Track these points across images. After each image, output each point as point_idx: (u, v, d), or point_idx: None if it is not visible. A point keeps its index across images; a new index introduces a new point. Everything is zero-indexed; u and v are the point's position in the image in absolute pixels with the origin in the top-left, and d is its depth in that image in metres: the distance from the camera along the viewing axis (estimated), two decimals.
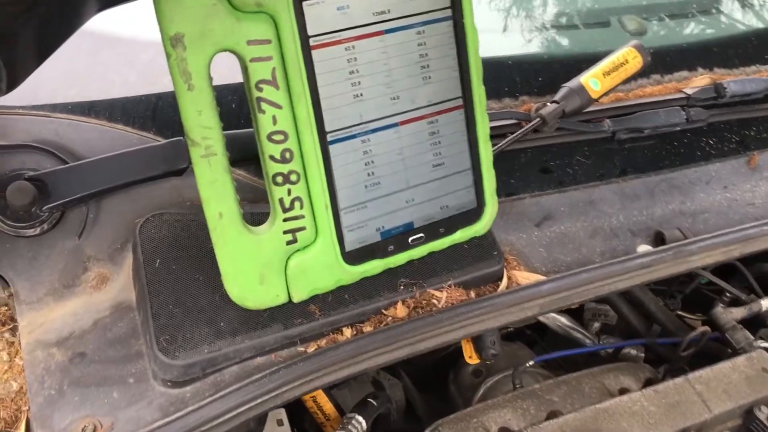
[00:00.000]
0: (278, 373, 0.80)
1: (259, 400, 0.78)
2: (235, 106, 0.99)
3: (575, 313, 1.39)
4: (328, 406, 1.12)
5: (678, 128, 1.15)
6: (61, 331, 0.84)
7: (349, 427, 1.01)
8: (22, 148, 0.90)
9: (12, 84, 0.72)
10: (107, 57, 1.00)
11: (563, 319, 1.39)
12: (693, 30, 1.36)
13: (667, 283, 1.33)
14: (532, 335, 1.46)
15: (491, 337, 1.08)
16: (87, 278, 0.89)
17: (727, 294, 1.30)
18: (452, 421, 1.04)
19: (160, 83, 0.97)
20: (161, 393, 0.81)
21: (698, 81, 1.22)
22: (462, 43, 0.86)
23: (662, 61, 1.22)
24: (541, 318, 1.39)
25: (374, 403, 1.09)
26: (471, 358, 1.17)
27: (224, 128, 0.75)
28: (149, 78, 0.99)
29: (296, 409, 1.07)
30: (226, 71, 0.80)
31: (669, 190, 1.12)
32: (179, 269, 0.85)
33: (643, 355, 1.32)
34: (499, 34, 1.24)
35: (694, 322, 1.36)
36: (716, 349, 1.22)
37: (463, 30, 0.86)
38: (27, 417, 0.80)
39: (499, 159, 0.99)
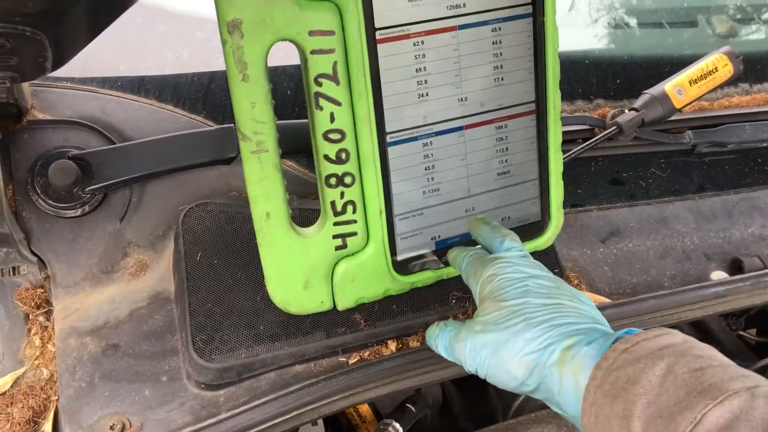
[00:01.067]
0: (317, 385, 0.75)
1: (295, 413, 0.73)
2: (291, 93, 0.94)
3: None
4: (365, 408, 1.08)
5: (765, 144, 1.06)
6: (96, 319, 0.81)
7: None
8: (66, 123, 0.87)
9: (58, 62, 0.68)
10: (162, 32, 0.95)
11: None
12: None
13: None
14: None
15: None
16: (126, 264, 0.85)
17: None
18: None
19: (215, 64, 0.92)
20: (194, 395, 0.77)
21: None
22: (540, 44, 0.79)
23: (752, 68, 1.13)
24: None
25: (413, 408, 1.04)
26: None
27: (277, 118, 0.70)
28: (204, 57, 0.94)
29: None
30: (282, 55, 0.75)
31: (749, 212, 1.03)
32: (221, 265, 0.81)
33: None
34: (576, 28, 1.16)
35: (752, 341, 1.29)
36: None
37: (543, 29, 0.78)
38: (56, 408, 0.77)
39: (566, 167, 0.92)
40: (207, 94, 0.92)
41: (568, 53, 1.08)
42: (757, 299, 0.90)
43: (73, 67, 0.86)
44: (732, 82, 1.07)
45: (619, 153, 1.01)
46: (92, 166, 0.83)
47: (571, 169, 0.98)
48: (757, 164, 1.08)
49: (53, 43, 0.63)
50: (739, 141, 1.03)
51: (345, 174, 0.74)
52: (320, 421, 0.97)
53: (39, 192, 0.83)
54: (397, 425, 0.99)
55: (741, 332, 1.28)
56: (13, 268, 0.84)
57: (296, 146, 0.84)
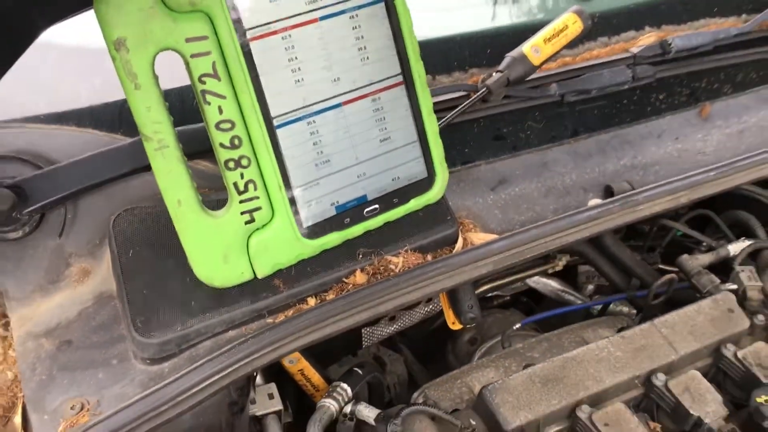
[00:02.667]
0: (247, 342, 0.86)
1: (231, 369, 0.84)
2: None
3: (569, 277, 1.44)
4: (316, 378, 1.18)
5: (625, 86, 1.20)
6: (49, 322, 0.92)
7: (334, 394, 1.07)
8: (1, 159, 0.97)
9: None
10: (73, 67, 1.07)
11: (554, 284, 1.44)
12: None
13: (644, 237, 1.38)
14: (527, 302, 1.51)
15: (468, 302, 1.14)
16: (70, 273, 0.96)
17: (704, 244, 1.34)
18: (438, 383, 1.10)
19: None
20: (142, 371, 0.87)
21: (645, 39, 1.26)
22: (396, 23, 0.91)
23: (609, 23, 1.27)
24: (531, 284, 1.45)
25: (359, 372, 1.15)
26: (454, 324, 1.23)
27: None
28: (115, 83, 1.05)
29: (286, 384, 1.13)
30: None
31: (620, 146, 1.16)
32: (151, 257, 0.92)
33: (635, 311, 1.36)
34: (450, 12, 1.29)
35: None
36: (691, 297, 1.26)
37: (395, 11, 0.91)
38: (23, 402, 0.87)
39: (452, 130, 1.04)
40: (121, 114, 1.04)
41: (441, 36, 1.21)
42: (627, 217, 1.02)
43: None
44: (591, 36, 1.21)
45: (497, 112, 1.14)
46: (26, 190, 0.94)
47: (456, 131, 1.11)
48: (622, 104, 1.22)
49: None
50: (600, 86, 1.17)
51: (241, 157, 0.85)
52: (276, 395, 1.08)
53: None
54: (345, 385, 1.09)
55: (661, 266, 1.39)
56: None
57: (202, 146, 0.95)
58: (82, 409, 0.84)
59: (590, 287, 1.47)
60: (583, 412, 1.00)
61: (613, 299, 1.39)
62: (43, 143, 1.00)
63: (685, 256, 1.27)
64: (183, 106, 1.05)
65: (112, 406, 0.83)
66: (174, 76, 0.91)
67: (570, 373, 1.03)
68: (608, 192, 1.09)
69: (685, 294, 1.27)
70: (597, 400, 1.02)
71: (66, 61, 1.07)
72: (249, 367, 0.85)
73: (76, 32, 1.04)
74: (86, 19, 0.86)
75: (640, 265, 1.34)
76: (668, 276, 1.25)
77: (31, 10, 0.75)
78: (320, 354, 1.16)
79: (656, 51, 1.22)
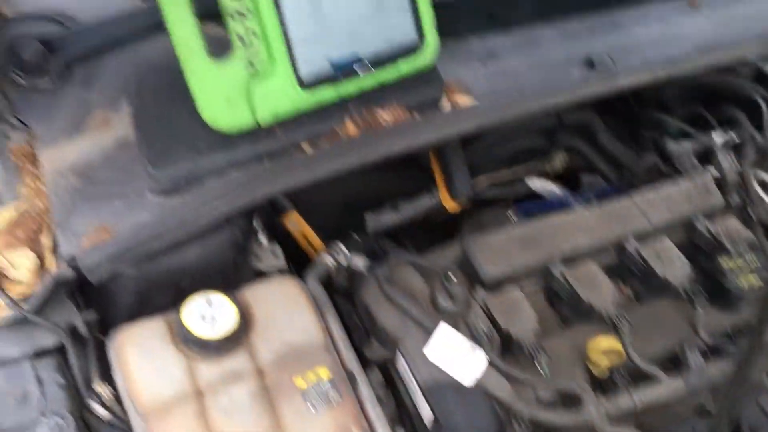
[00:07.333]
0: (248, 177, 0.96)
1: (233, 197, 0.94)
2: None
3: (571, 185, 1.52)
4: (317, 242, 1.28)
5: None
6: (74, 161, 1.03)
7: (332, 251, 1.17)
8: (31, 18, 1.07)
9: None
10: None
11: (555, 187, 1.52)
12: None
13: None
14: None
15: (461, 179, 1.23)
16: (93, 121, 1.06)
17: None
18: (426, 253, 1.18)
19: None
20: (156, 202, 0.98)
21: None
22: None
23: None
24: (532, 186, 1.53)
25: (358, 239, 1.26)
26: (449, 202, 1.32)
27: None
28: None
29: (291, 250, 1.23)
30: None
31: (609, 28, 1.22)
32: (166, 105, 1.02)
33: None
34: None
35: None
36: None
37: None
38: (51, 226, 0.98)
39: (446, 6, 1.11)
40: None
41: None
42: (606, 87, 1.10)
43: None
44: None
45: None
46: (55, 45, 1.05)
47: (450, 7, 1.17)
48: None
49: None
50: None
51: (245, 9, 0.94)
52: (280, 253, 1.18)
53: (15, 70, 1.04)
54: (342, 246, 1.19)
55: None
56: (5, 137, 1.06)
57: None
58: (102, 230, 0.95)
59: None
60: (556, 269, 1.09)
61: (603, 189, 1.48)
62: (73, 6, 1.09)
63: (669, 141, 1.33)
64: None
65: (126, 229, 0.94)
66: None
67: (547, 234, 1.12)
68: (589, 64, 1.16)
69: None
70: (571, 261, 1.10)
71: None
72: (248, 197, 0.95)
73: None
74: None
75: (631, 158, 1.42)
76: (649, 159, 1.33)
77: None
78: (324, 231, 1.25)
79: None
